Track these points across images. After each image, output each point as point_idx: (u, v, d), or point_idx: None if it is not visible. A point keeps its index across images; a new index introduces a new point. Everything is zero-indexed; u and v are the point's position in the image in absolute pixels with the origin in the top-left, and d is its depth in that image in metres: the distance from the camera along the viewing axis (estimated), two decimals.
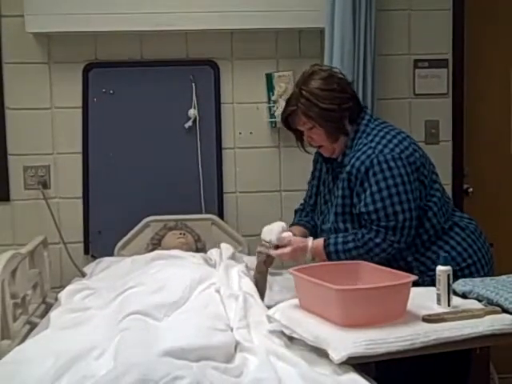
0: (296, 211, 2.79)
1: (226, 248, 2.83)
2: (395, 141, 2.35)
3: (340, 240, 2.36)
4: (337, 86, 2.40)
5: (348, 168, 2.37)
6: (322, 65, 2.56)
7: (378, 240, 2.30)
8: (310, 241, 2.43)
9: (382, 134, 2.39)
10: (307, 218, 2.69)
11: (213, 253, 2.82)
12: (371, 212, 2.30)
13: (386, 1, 3.29)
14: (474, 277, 2.31)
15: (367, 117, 2.47)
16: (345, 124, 2.42)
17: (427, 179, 2.39)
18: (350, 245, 2.34)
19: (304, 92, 2.40)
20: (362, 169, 2.32)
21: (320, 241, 2.41)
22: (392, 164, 2.29)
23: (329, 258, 2.36)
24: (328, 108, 2.37)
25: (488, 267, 2.42)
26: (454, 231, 2.41)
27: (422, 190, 2.37)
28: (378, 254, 2.32)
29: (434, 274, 2.00)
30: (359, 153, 2.36)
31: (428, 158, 2.46)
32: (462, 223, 2.44)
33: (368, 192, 2.31)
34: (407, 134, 2.45)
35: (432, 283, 2.13)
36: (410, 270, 2.24)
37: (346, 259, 2.32)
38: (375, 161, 2.30)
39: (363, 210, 2.32)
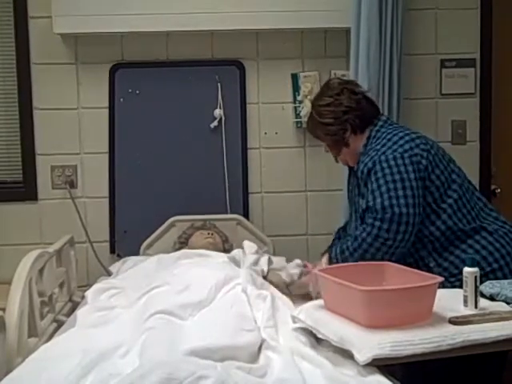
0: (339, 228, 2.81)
1: (250, 246, 2.81)
2: (401, 142, 2.36)
3: (338, 251, 2.38)
4: (335, 101, 2.48)
5: (358, 174, 2.42)
6: (338, 79, 2.65)
7: (369, 239, 2.27)
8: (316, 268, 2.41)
9: (389, 136, 2.41)
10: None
11: (237, 253, 2.83)
12: (370, 207, 2.30)
13: (412, 0, 3.27)
14: None
15: (380, 122, 2.49)
16: (345, 137, 2.48)
17: (440, 180, 2.35)
18: (346, 253, 2.34)
19: (312, 109, 2.59)
20: (365, 170, 2.35)
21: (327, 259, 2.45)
22: (392, 162, 2.30)
23: None
24: (325, 122, 2.49)
25: None
26: (481, 235, 2.35)
27: (434, 192, 2.34)
28: (374, 254, 2.28)
29: (456, 280, 1.98)
30: (366, 157, 2.39)
31: (445, 159, 2.42)
32: (491, 227, 2.37)
33: (369, 191, 2.32)
34: (419, 135, 2.43)
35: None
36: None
37: None
38: (377, 161, 2.32)
39: (363, 206, 2.34)
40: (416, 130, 2.49)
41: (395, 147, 2.34)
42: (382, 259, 2.25)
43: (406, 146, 2.34)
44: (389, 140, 2.38)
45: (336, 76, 2.99)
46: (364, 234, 2.29)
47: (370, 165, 2.34)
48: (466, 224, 2.35)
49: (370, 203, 2.30)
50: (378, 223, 2.25)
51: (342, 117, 2.46)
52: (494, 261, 2.31)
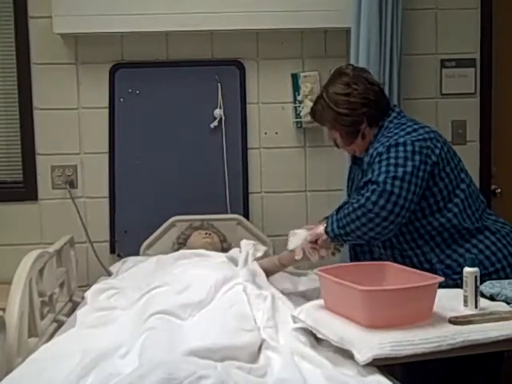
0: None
1: (246, 244, 2.79)
2: (414, 133, 2.33)
3: (334, 218, 2.33)
4: (353, 91, 2.40)
5: (366, 159, 2.37)
6: (351, 66, 2.57)
7: (355, 205, 2.22)
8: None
9: (403, 126, 2.38)
10: None
11: (235, 252, 2.83)
12: (367, 181, 2.26)
13: (412, 0, 3.27)
14: None
15: (394, 114, 2.46)
16: (360, 129, 2.43)
17: (449, 178, 2.34)
18: (338, 216, 2.30)
19: (324, 94, 2.47)
20: (374, 154, 2.31)
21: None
22: (401, 148, 2.27)
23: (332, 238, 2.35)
24: (341, 112, 2.42)
25: None
26: (484, 235, 2.34)
27: (443, 189, 2.32)
28: (353, 220, 2.23)
29: (460, 278, 1.98)
30: (377, 143, 2.36)
31: (456, 157, 2.42)
32: (494, 227, 2.36)
33: (371, 170, 2.29)
34: (433, 129, 2.40)
35: (456, 287, 2.12)
36: (434, 273, 2.22)
37: (346, 235, 2.28)
38: (386, 146, 2.29)
39: (363, 183, 2.30)
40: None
41: (408, 135, 2.31)
42: (358, 230, 2.23)
43: (420, 137, 2.31)
44: (402, 130, 2.35)
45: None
46: (353, 200, 2.27)
47: (380, 149, 2.30)
48: (470, 224, 2.34)
49: (368, 177, 2.27)
50: (368, 194, 2.22)
51: (359, 109, 2.40)
52: (497, 261, 2.30)
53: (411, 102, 3.26)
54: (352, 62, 3.02)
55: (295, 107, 3.30)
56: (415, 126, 2.37)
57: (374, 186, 2.21)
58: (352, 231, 2.26)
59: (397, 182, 2.21)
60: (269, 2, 3.13)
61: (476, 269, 1.96)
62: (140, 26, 3.12)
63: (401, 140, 2.29)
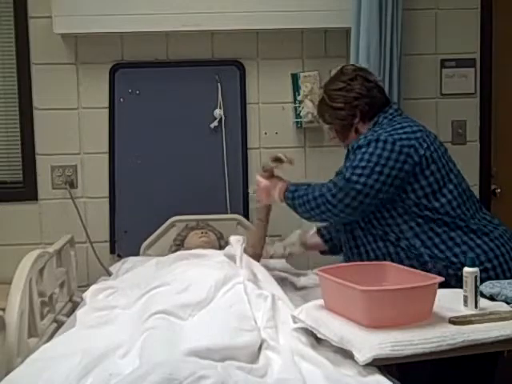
0: None
1: (236, 241, 2.74)
2: (400, 130, 2.35)
3: (296, 194, 2.46)
4: (347, 86, 2.48)
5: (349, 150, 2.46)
6: (353, 65, 2.63)
7: (316, 193, 2.36)
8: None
9: (393, 123, 2.41)
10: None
11: (231, 249, 2.80)
12: (336, 172, 2.41)
13: (412, 0, 3.27)
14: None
15: (391, 110, 2.48)
16: (353, 123, 2.49)
17: (434, 177, 2.33)
18: (295, 194, 2.45)
19: (322, 91, 2.58)
20: (355, 146, 2.37)
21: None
22: (380, 144, 2.31)
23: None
24: (335, 107, 2.49)
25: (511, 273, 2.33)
26: (476, 235, 2.33)
27: (426, 187, 2.32)
28: (312, 208, 2.37)
29: (447, 275, 1.99)
30: (363, 137, 2.40)
31: (444, 158, 2.40)
32: (486, 228, 2.35)
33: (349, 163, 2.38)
34: (421, 129, 2.40)
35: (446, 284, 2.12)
36: (419, 256, 2.28)
37: (296, 206, 2.45)
38: (368, 140, 2.34)
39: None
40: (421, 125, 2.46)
41: (392, 132, 2.34)
42: (316, 217, 2.40)
43: (403, 136, 2.32)
44: (391, 126, 2.39)
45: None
46: (316, 187, 2.39)
47: (361, 142, 2.35)
48: (460, 218, 2.33)
49: (339, 169, 2.40)
50: (330, 185, 2.34)
51: (352, 102, 2.46)
52: (487, 260, 2.28)
53: (411, 102, 3.26)
54: (352, 62, 3.03)
55: (295, 107, 3.30)
56: (404, 124, 2.39)
57: (337, 180, 2.34)
58: (307, 211, 2.40)
59: (361, 179, 2.28)
60: (269, 1, 3.13)
61: (476, 269, 1.96)
62: (140, 26, 3.12)
63: (382, 137, 2.32)
